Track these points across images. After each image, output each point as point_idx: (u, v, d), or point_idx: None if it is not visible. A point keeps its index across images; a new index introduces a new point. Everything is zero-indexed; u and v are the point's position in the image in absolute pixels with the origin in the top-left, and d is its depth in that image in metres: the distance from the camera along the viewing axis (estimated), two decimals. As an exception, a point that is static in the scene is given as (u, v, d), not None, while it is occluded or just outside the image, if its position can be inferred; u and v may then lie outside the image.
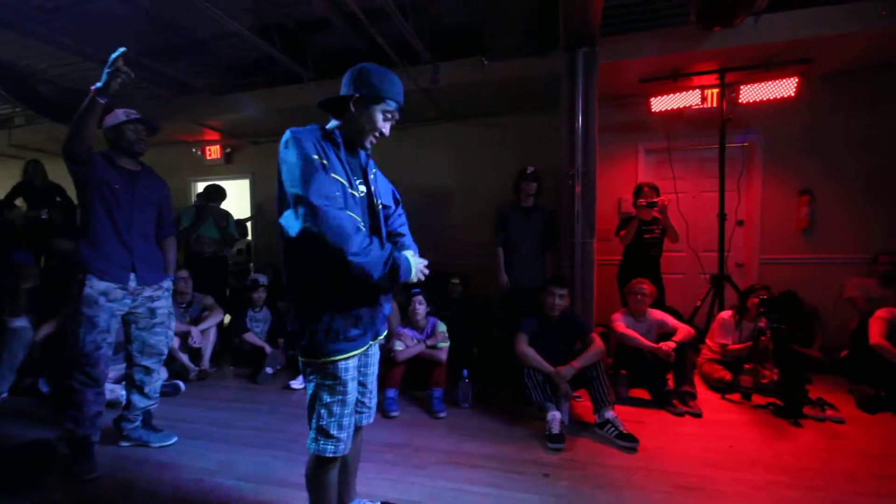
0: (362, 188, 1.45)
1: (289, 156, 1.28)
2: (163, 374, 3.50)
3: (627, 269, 3.80)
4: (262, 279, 4.21)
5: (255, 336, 4.01)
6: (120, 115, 2.35)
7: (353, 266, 1.26)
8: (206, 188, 4.72)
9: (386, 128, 1.40)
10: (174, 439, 2.57)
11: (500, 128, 4.79)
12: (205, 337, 3.86)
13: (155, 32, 3.62)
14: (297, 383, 3.46)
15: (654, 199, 3.62)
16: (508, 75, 3.87)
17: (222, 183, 4.92)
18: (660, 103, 4.02)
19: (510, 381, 3.16)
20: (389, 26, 3.37)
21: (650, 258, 3.80)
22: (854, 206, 4.07)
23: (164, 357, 2.58)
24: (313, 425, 1.46)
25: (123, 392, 2.59)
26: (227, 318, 4.35)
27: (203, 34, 3.70)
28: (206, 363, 3.85)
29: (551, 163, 3.59)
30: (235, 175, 6.00)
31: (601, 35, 3.28)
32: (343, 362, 1.41)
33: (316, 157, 1.28)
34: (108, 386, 2.97)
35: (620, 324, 3.24)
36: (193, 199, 5.87)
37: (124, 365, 2.60)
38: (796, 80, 3.68)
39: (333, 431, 1.43)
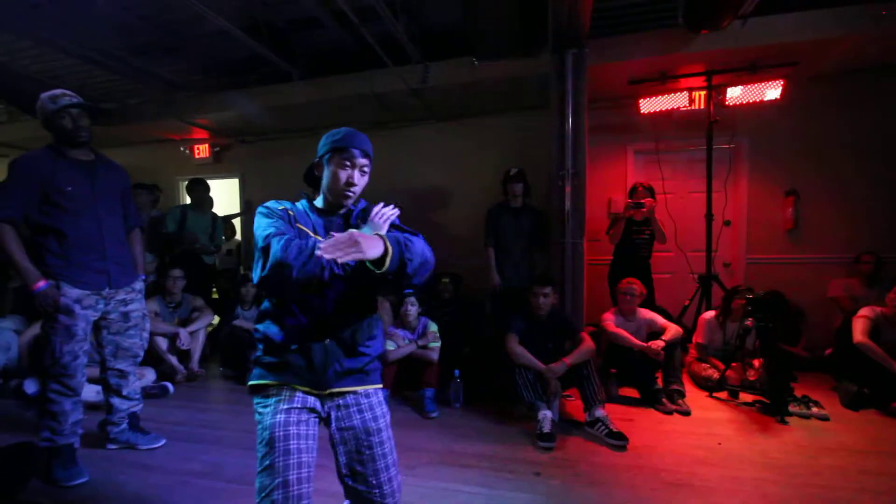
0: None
1: (255, 222, 1.30)
2: (150, 375, 3.49)
3: (618, 269, 3.83)
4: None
5: (245, 321, 3.93)
6: (45, 102, 2.12)
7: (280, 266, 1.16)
8: (190, 182, 4.60)
9: (347, 175, 1.32)
10: (162, 442, 2.54)
11: (490, 128, 4.80)
12: (193, 338, 3.81)
13: (141, 29, 3.58)
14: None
15: (642, 201, 3.66)
16: (499, 76, 3.88)
17: (211, 183, 4.85)
18: (648, 105, 4.06)
19: (502, 380, 3.17)
20: (379, 26, 3.37)
21: (640, 258, 3.84)
22: (838, 207, 4.15)
23: (140, 359, 2.51)
24: None
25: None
26: (217, 321, 4.31)
27: (191, 32, 3.66)
28: (194, 365, 3.80)
29: (542, 163, 3.61)
30: (224, 174, 5.94)
31: (590, 37, 3.31)
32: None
33: (280, 208, 1.34)
34: (94, 388, 2.93)
35: (611, 323, 3.26)
36: (181, 198, 5.81)
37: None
38: (782, 82, 3.74)
39: None
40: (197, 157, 5.85)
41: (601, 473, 2.22)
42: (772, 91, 3.76)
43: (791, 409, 2.84)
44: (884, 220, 4.03)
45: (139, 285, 2.46)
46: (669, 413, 2.93)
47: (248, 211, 5.77)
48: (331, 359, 1.31)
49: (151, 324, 2.89)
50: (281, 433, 1.23)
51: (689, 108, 3.97)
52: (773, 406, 2.86)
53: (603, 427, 2.58)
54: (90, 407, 2.86)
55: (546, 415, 2.63)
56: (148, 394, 3.21)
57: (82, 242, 2.17)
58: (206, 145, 5.80)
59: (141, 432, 2.53)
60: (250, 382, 1.35)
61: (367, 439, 1.32)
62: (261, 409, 1.31)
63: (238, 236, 6.02)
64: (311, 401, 1.32)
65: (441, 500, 2.00)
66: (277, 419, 1.25)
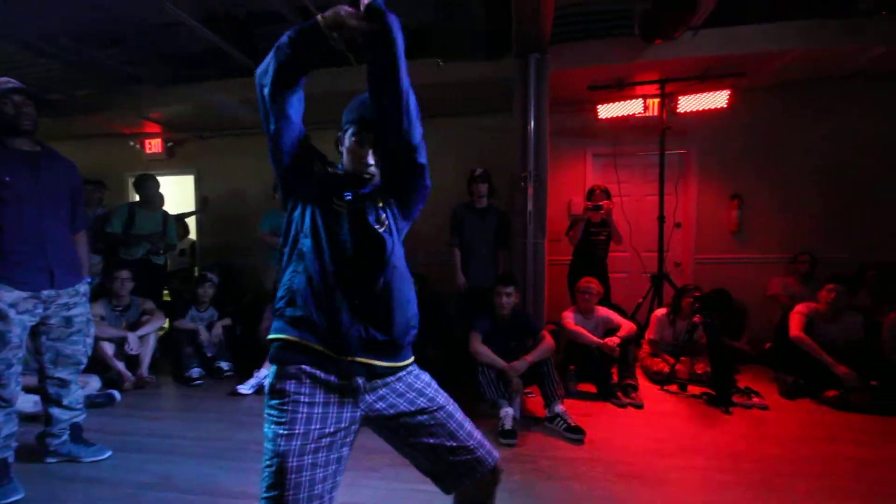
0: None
1: None
2: (94, 383, 3.29)
3: (577, 268, 3.95)
4: (212, 275, 4.03)
5: (189, 322, 3.83)
6: None
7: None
8: (138, 178, 4.36)
9: (362, 153, 1.22)
10: (108, 453, 2.40)
11: (455, 128, 4.82)
12: (143, 343, 3.63)
13: (92, 17, 3.37)
14: (245, 388, 3.33)
15: (600, 203, 3.79)
16: (463, 78, 3.91)
17: (164, 179, 4.63)
18: (606, 110, 4.21)
19: (466, 380, 3.19)
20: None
21: (598, 259, 3.97)
22: (778, 210, 4.45)
23: (83, 366, 2.36)
24: None
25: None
26: (168, 324, 4.13)
27: (146, 21, 3.48)
28: (144, 371, 3.62)
29: (506, 164, 3.67)
30: (178, 171, 5.69)
31: (552, 43, 3.40)
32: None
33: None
34: (32, 398, 2.74)
35: (570, 321, 3.36)
36: (130, 196, 5.51)
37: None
38: (728, 92, 3.96)
39: None
40: (148, 151, 5.58)
41: (560, 467, 2.28)
42: (719, 100, 3.98)
43: (735, 399, 3.02)
44: (818, 223, 4.35)
45: (84, 288, 2.32)
46: (624, 406, 3.05)
47: (203, 209, 5.55)
48: (358, 323, 1.14)
49: (97, 328, 2.73)
50: (293, 464, 1.05)
51: (643, 114, 4.16)
52: (719, 397, 3.03)
53: (562, 422, 2.65)
54: (27, 418, 2.67)
55: (508, 412, 2.67)
56: (92, 403, 3.04)
57: (21, 238, 2.03)
58: (159, 140, 5.54)
59: (84, 444, 2.38)
60: (270, 336, 1.18)
61: (424, 411, 1.20)
62: (274, 423, 1.10)
63: (192, 235, 5.77)
64: (347, 417, 1.14)
65: (403, 501, 2.00)
66: (292, 446, 1.06)
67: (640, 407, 3.04)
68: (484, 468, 1.24)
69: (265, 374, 3.43)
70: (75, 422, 2.37)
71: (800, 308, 3.32)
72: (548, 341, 2.97)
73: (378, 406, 1.18)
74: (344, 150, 1.27)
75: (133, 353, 3.54)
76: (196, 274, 5.20)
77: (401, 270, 1.24)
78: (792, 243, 4.33)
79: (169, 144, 5.57)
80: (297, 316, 1.14)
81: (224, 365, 3.79)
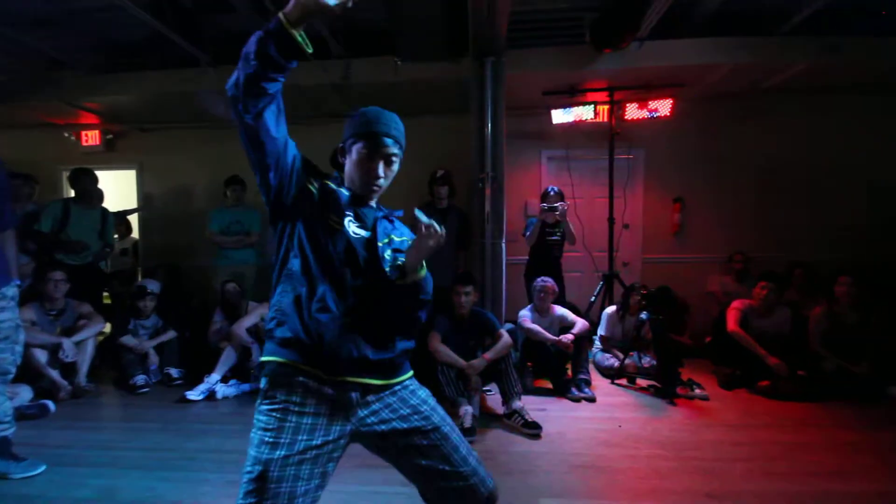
0: (360, 230, 1.20)
1: None
2: (25, 394, 3.05)
3: (533, 268, 4.05)
4: (152, 286, 3.79)
5: (134, 339, 3.60)
6: None
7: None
8: (73, 173, 4.06)
9: (370, 166, 1.19)
10: (41, 468, 2.23)
11: (414, 128, 4.71)
12: (80, 350, 3.39)
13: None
14: (194, 394, 3.18)
15: (556, 204, 3.91)
16: (421, 77, 3.92)
17: (103, 174, 4.33)
18: (559, 115, 4.36)
19: (426, 380, 3.21)
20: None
21: (553, 258, 4.10)
22: (715, 213, 4.77)
23: (11, 376, 2.18)
24: None
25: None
26: (109, 329, 3.87)
27: (80, 4, 3.26)
28: (81, 379, 3.38)
29: (465, 165, 3.72)
30: (119, 165, 5.36)
31: (508, 47, 3.48)
32: None
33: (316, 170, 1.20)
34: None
35: (527, 320, 3.45)
36: (65, 191, 5.12)
37: None
38: (671, 101, 4.20)
39: None
40: (85, 144, 5.21)
41: (518, 462, 2.35)
42: (662, 108, 4.22)
43: (679, 391, 3.21)
44: (752, 225, 4.71)
45: (12, 291, 2.14)
46: (578, 401, 3.17)
47: (146, 206, 5.25)
48: (348, 340, 1.10)
49: (27, 335, 2.53)
50: (275, 474, 1.00)
51: (594, 120, 4.33)
52: (664, 389, 3.21)
53: (519, 418, 2.72)
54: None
55: (467, 410, 2.72)
56: (23, 415, 2.80)
57: None
58: (97, 131, 5.18)
59: (13, 459, 2.20)
60: (262, 358, 1.13)
61: (419, 430, 1.15)
62: (261, 429, 1.06)
63: (135, 234, 5.44)
64: (336, 430, 1.10)
65: (364, 502, 1.99)
66: (276, 455, 1.02)
67: (593, 400, 3.17)
68: (476, 498, 1.19)
69: (216, 378, 3.31)
70: (3, 436, 2.18)
71: (736, 304, 3.57)
72: (506, 339, 3.03)
73: (370, 421, 1.14)
74: (349, 161, 1.23)
75: (69, 360, 3.30)
76: (139, 277, 4.92)
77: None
78: (728, 244, 4.65)
79: (108, 137, 5.23)
80: (287, 337, 1.10)
81: (173, 371, 3.60)
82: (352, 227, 1.18)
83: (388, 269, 1.18)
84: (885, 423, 2.78)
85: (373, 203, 1.28)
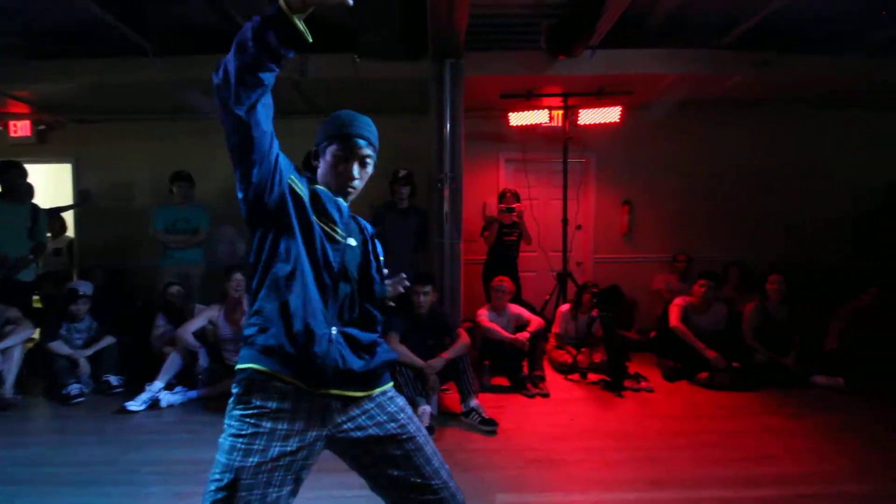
0: (351, 239, 1.21)
1: None
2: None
3: (491, 268, 4.13)
4: (84, 288, 3.51)
5: (66, 346, 3.33)
6: None
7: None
8: None
9: (345, 168, 1.19)
10: (-40, 488, 2.05)
11: (376, 127, 4.77)
12: (7, 358, 3.12)
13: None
14: (135, 404, 2.99)
15: (513, 206, 4.00)
16: (380, 76, 3.89)
17: (33, 167, 4.00)
18: (516, 118, 4.45)
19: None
20: (251, 5, 3.13)
21: (510, 258, 4.19)
22: (661, 215, 5.04)
23: None
24: None
25: None
26: (39, 335, 3.58)
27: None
28: (8, 390, 3.11)
29: (425, 165, 3.72)
30: (52, 158, 5.00)
31: (467, 50, 3.51)
32: None
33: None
34: None
35: (484, 318, 3.51)
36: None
37: None
38: (620, 108, 4.39)
39: None
40: (13, 135, 4.81)
41: (475, 459, 2.39)
42: (612, 115, 4.39)
43: (626, 384, 3.37)
44: (694, 227, 5.00)
45: None
46: (533, 396, 3.26)
47: (83, 202, 4.90)
48: (334, 351, 1.08)
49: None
50: (246, 482, 0.97)
51: (549, 124, 4.47)
52: (613, 383, 3.36)
53: (476, 416, 2.77)
54: None
55: (425, 409, 2.73)
56: (-64, 431, 2.56)
57: None
58: (27, 122, 4.79)
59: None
60: (239, 365, 1.09)
61: (394, 438, 1.14)
62: (233, 434, 1.02)
63: (70, 232, 5.07)
64: (312, 435, 1.07)
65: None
66: (249, 462, 0.98)
67: (547, 396, 3.27)
68: None
69: (159, 386, 3.13)
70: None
71: (677, 301, 3.78)
72: (464, 339, 3.07)
73: (346, 427, 1.12)
74: (323, 163, 1.22)
75: (-9, 369, 3.04)
76: (74, 278, 4.58)
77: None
78: (672, 245, 4.93)
79: (40, 128, 4.85)
80: (270, 345, 1.06)
81: (112, 379, 3.38)
82: (342, 234, 1.19)
83: (377, 286, 1.22)
84: (810, 409, 3.03)
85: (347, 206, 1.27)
